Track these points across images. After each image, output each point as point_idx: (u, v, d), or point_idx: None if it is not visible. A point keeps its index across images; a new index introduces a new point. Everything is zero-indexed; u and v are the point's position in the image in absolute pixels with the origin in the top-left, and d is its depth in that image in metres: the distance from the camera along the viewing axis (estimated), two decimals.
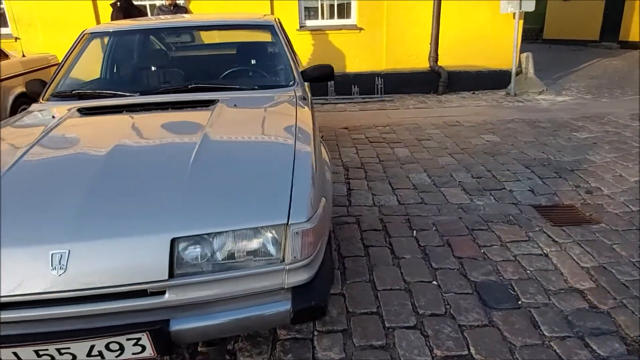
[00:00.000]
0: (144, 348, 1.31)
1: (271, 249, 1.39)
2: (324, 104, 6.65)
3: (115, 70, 2.95)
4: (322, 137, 2.55)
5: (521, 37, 6.76)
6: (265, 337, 1.90)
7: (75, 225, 1.33)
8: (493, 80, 7.13)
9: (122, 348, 1.30)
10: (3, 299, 1.23)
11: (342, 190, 3.38)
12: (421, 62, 7.07)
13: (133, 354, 1.31)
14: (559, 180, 3.47)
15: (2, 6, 6.91)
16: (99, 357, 1.30)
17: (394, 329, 1.93)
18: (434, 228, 2.80)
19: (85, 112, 2.17)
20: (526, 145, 4.30)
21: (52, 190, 1.47)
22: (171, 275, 1.31)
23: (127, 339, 1.28)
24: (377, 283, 2.26)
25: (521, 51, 6.93)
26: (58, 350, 1.26)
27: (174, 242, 1.33)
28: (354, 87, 6.92)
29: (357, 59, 7.07)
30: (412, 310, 2.05)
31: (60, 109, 2.25)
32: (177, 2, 6.45)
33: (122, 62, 2.88)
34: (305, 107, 2.33)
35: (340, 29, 6.94)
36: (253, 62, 2.91)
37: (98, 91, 2.46)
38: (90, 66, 3.09)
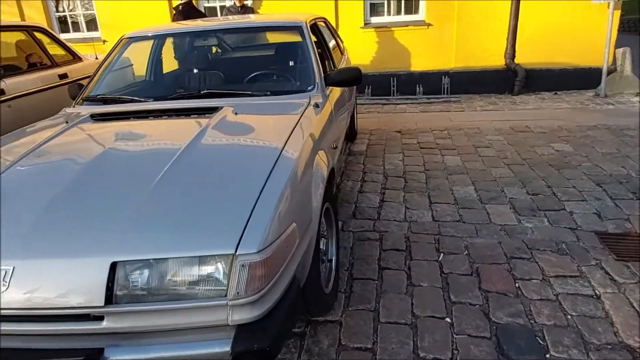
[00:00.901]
0: None
1: (217, 281, 1.26)
2: (384, 104, 6.36)
3: (148, 75, 3.01)
4: (335, 146, 2.35)
5: (617, 29, 5.86)
6: None
7: (23, 243, 1.31)
8: (580, 79, 6.28)
9: None
10: None
11: (373, 202, 3.14)
12: (495, 59, 6.46)
13: None
14: (636, 202, 2.91)
15: (93, 11, 7.57)
16: None
17: None
18: (465, 252, 2.47)
19: (97, 117, 2.21)
20: (603, 158, 3.69)
21: (19, 204, 1.48)
22: (109, 301, 1.24)
23: None
24: (382, 313, 2.02)
25: (616, 46, 6.03)
26: None
27: (114, 265, 1.25)
28: (419, 86, 6.53)
29: (423, 56, 6.65)
30: (411, 352, 1.79)
31: (83, 113, 2.32)
32: (245, 3, 6.59)
33: (148, 67, 2.93)
34: (317, 114, 2.16)
35: (407, 25, 6.57)
36: (274, 66, 2.79)
37: (116, 96, 2.50)
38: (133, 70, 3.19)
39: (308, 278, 1.68)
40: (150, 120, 2.13)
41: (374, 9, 6.75)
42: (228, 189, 1.49)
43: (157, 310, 1.25)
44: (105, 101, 2.50)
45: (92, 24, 7.70)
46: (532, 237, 2.60)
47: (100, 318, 1.25)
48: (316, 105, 2.26)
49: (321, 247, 1.95)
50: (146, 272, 1.27)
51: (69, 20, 7.81)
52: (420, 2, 6.56)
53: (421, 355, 1.78)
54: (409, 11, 6.69)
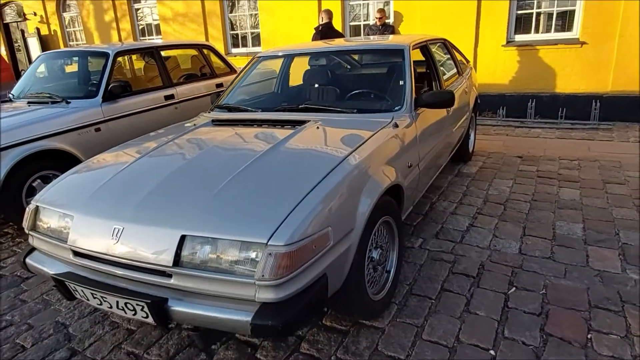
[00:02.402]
0: (147, 315, 1.67)
1: (251, 263, 1.56)
2: (518, 127, 5.96)
3: (275, 88, 3.51)
4: (409, 165, 2.44)
5: None
6: (289, 345, 2.05)
7: (132, 212, 1.79)
8: None
9: (134, 310, 1.70)
10: (78, 250, 1.79)
11: (461, 225, 3.10)
12: None
13: (142, 317, 1.70)
14: None
15: (258, 30, 8.75)
16: (122, 312, 1.74)
17: None
18: (542, 291, 2.32)
19: (216, 122, 2.74)
20: None
21: (139, 181, 1.99)
22: (176, 264, 1.63)
23: (137, 305, 1.67)
24: (426, 331, 2.08)
25: None
26: (101, 297, 1.76)
27: (183, 237, 1.64)
28: (562, 110, 5.95)
29: (572, 78, 6.03)
30: None
31: (209, 117, 2.89)
32: (387, 21, 6.90)
33: (276, 81, 3.42)
34: (391, 133, 2.32)
35: (556, 44, 6.03)
36: (372, 85, 2.98)
37: (236, 106, 3.01)
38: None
39: (349, 281, 1.86)
40: (252, 127, 2.56)
41: (520, 26, 6.37)
42: (281, 190, 1.77)
43: (206, 277, 1.60)
44: (229, 109, 3.04)
45: (256, 39, 8.90)
46: (632, 289, 2.30)
47: (169, 276, 1.66)
48: (395, 125, 2.41)
49: (374, 256, 2.11)
50: (204, 246, 1.63)
51: (240, 37, 9.16)
52: (576, 18, 5.96)
53: None
54: (560, 28, 6.14)
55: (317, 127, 2.39)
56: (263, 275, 1.51)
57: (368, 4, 7.45)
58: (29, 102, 3.95)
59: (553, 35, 6.17)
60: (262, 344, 2.06)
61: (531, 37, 6.31)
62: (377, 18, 6.55)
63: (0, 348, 2.16)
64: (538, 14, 6.23)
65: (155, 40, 10.01)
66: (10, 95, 4.25)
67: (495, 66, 6.49)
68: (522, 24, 6.36)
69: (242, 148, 2.25)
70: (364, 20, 7.57)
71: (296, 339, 2.07)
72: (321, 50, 3.26)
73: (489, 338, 2.01)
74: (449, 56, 3.96)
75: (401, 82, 2.77)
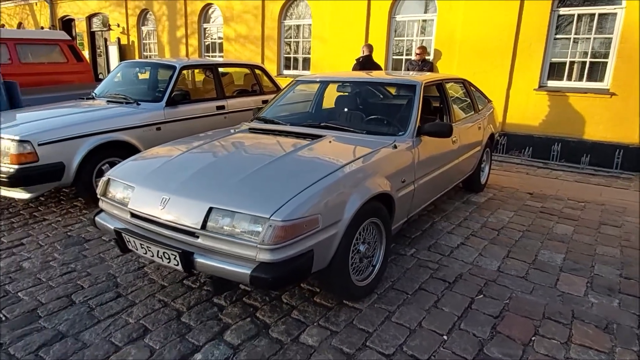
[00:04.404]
0: (178, 263, 2.25)
1: (256, 231, 2.10)
2: (540, 167, 6.22)
3: (310, 108, 4.11)
4: (403, 180, 2.90)
5: None
6: (282, 310, 2.55)
7: (177, 187, 2.39)
8: None
9: (169, 258, 2.27)
10: (137, 212, 2.40)
11: (453, 243, 3.50)
12: None
13: (174, 264, 2.27)
14: None
15: (309, 55, 9.51)
16: (160, 260, 2.32)
17: (362, 350, 2.23)
18: (506, 301, 2.69)
19: (252, 130, 3.35)
20: None
21: (185, 168, 2.60)
22: (203, 227, 2.20)
23: (171, 254, 2.25)
24: (395, 315, 2.51)
25: None
26: (147, 247, 2.35)
27: (210, 209, 2.22)
28: (586, 156, 6.16)
29: (600, 126, 6.25)
30: (398, 346, 2.26)
31: (247, 126, 3.51)
32: (427, 57, 7.41)
33: (301, 101, 4.03)
34: (389, 152, 2.82)
35: (586, 93, 6.30)
36: (384, 112, 3.50)
37: (271, 119, 3.62)
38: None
39: (334, 262, 2.35)
40: (279, 136, 3.14)
41: (553, 73, 6.67)
42: (288, 181, 2.32)
43: (223, 239, 2.15)
44: (265, 121, 3.65)
45: (307, 63, 9.66)
46: (586, 309, 2.62)
47: (197, 236, 2.22)
48: (394, 147, 2.91)
49: (361, 249, 2.59)
50: (224, 217, 2.18)
51: (292, 60, 9.97)
52: (607, 69, 6.21)
53: (404, 350, 2.23)
54: (592, 78, 6.39)
55: (330, 141, 2.94)
56: (263, 241, 2.04)
57: (412, 40, 8.01)
58: (107, 101, 4.78)
59: (584, 84, 6.43)
60: (262, 306, 2.58)
61: (563, 84, 6.59)
62: (417, 54, 7.08)
63: (66, 285, 2.81)
64: (572, 63, 6.52)
65: (217, 58, 11.05)
66: (93, 94, 5.12)
67: (525, 108, 6.81)
68: (555, 70, 6.67)
69: (266, 151, 2.83)
70: (407, 55, 8.12)
71: (289, 307, 2.57)
72: (348, 80, 3.83)
73: (446, 327, 2.42)
74: (466, 94, 4.41)
75: (409, 113, 3.26)
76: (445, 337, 2.34)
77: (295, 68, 9.92)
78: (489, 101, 5.09)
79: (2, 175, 3.61)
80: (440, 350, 2.23)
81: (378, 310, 2.56)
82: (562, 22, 6.51)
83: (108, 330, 2.35)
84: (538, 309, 2.61)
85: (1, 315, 2.47)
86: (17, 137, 3.61)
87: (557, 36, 6.56)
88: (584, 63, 6.44)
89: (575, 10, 6.35)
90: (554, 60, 6.64)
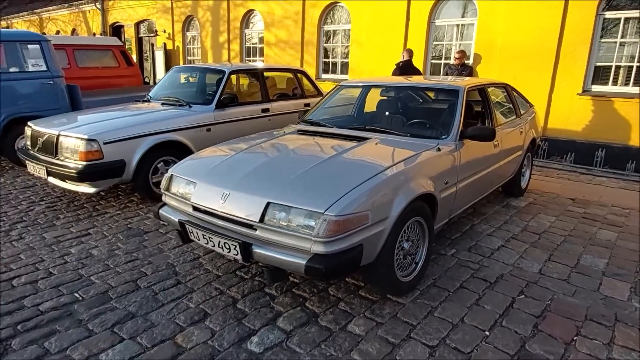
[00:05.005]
0: (237, 253, 2.45)
1: (311, 225, 2.27)
2: (583, 173, 6.13)
3: (352, 110, 4.28)
4: (446, 182, 3.01)
5: None
6: (330, 302, 2.71)
7: (236, 182, 2.60)
8: None
9: (229, 248, 2.48)
10: (199, 206, 2.63)
11: (493, 245, 3.56)
12: None
13: (234, 254, 2.48)
14: None
15: (347, 60, 9.68)
16: (221, 249, 2.53)
17: (406, 340, 2.36)
18: (547, 302, 2.75)
19: (300, 132, 3.54)
20: None
21: (242, 166, 2.81)
22: (261, 220, 2.40)
23: (232, 244, 2.45)
24: (437, 310, 2.63)
25: None
26: (209, 237, 2.57)
27: (268, 204, 2.41)
28: (632, 162, 6.02)
29: None
30: (440, 339, 2.37)
31: (296, 128, 3.70)
32: (466, 62, 7.42)
33: (342, 104, 4.19)
34: (432, 155, 2.94)
35: (632, 98, 6.16)
36: (428, 116, 3.61)
37: (317, 121, 3.80)
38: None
39: (380, 257, 2.50)
40: (326, 138, 3.31)
41: (597, 77, 6.55)
42: (340, 179, 2.48)
43: (280, 232, 2.33)
44: (312, 123, 3.83)
45: (345, 67, 9.83)
46: (630, 313, 2.65)
47: (255, 229, 2.42)
48: (438, 149, 3.02)
49: (405, 246, 2.72)
50: (281, 211, 2.37)
51: (330, 64, 10.17)
52: None
53: (447, 342, 2.35)
54: (639, 82, 6.24)
55: (376, 144, 3.09)
56: (318, 234, 2.21)
57: (451, 44, 8.04)
58: (162, 104, 5.10)
59: (630, 89, 6.29)
60: (310, 297, 2.75)
61: (608, 88, 6.47)
62: (456, 58, 7.11)
63: (131, 272, 3.07)
64: (617, 67, 6.40)
65: (257, 62, 11.39)
66: (148, 96, 5.47)
67: (569, 113, 6.72)
68: (600, 75, 6.55)
69: (317, 151, 3.01)
70: (445, 59, 8.15)
71: (336, 299, 2.73)
72: (392, 84, 3.97)
73: (487, 324, 2.51)
74: (508, 99, 4.45)
75: (452, 117, 3.37)
76: (487, 333, 2.43)
77: (333, 72, 10.10)
78: (531, 106, 5.09)
79: (71, 170, 3.96)
80: (483, 344, 2.33)
81: (421, 305, 2.68)
82: (607, 25, 6.40)
83: (172, 313, 2.58)
84: (580, 311, 2.66)
85: (78, 296, 2.75)
86: (85, 136, 3.94)
87: (603, 40, 6.44)
88: (630, 67, 6.30)
89: (622, 14, 6.23)
90: (598, 64, 6.53)
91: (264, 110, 5.51)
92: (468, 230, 3.87)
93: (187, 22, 13.16)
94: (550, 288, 2.92)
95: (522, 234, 3.81)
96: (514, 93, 4.62)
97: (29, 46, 5.90)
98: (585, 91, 6.59)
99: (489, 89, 4.00)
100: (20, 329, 2.41)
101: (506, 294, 2.83)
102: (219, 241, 2.52)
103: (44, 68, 5.89)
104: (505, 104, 4.42)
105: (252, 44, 11.73)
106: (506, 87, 4.48)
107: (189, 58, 13.44)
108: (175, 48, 13.45)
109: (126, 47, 14.64)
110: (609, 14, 6.32)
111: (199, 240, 2.67)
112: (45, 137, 4.23)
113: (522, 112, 4.65)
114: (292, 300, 2.72)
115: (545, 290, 2.90)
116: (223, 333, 2.39)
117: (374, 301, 2.72)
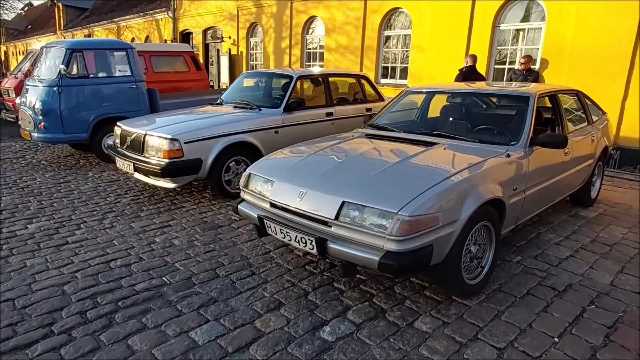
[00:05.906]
0: (313, 247, 2.63)
1: (384, 224, 2.40)
2: (632, 179, 5.80)
3: (416, 116, 4.37)
4: (515, 188, 3.03)
5: None
6: (397, 299, 2.82)
7: (313, 182, 2.79)
8: None
9: (305, 243, 2.67)
10: (276, 202, 2.84)
11: (562, 254, 3.51)
12: None
13: (309, 248, 2.66)
14: None
15: (407, 65, 9.70)
16: (297, 244, 2.73)
17: (473, 341, 2.43)
18: (620, 314, 2.71)
19: (369, 135, 3.68)
20: None
21: (316, 167, 2.99)
22: (336, 218, 2.56)
23: (308, 239, 2.64)
24: (504, 314, 2.67)
25: None
26: (286, 232, 2.77)
27: (343, 203, 2.57)
28: None
29: None
30: (508, 343, 2.42)
31: (363, 132, 3.85)
32: (532, 67, 7.24)
33: (418, 110, 4.29)
34: (501, 161, 2.97)
35: None
36: (496, 122, 3.62)
37: (383, 126, 3.92)
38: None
39: (448, 259, 2.58)
40: (395, 142, 3.42)
41: None
42: (412, 182, 2.59)
43: (354, 229, 2.49)
44: (378, 127, 3.97)
45: (404, 73, 9.86)
46: None
47: (330, 226, 2.59)
48: (507, 155, 3.05)
49: (472, 250, 2.78)
50: (355, 210, 2.52)
51: (390, 69, 10.23)
52: None
53: (515, 345, 2.39)
54: None
55: (444, 149, 3.17)
56: (391, 233, 2.34)
57: (515, 48, 7.86)
58: (234, 106, 5.44)
59: None
60: (377, 293, 2.88)
61: None
62: (521, 63, 6.96)
63: (210, 261, 3.35)
64: None
65: (317, 67, 11.66)
66: (220, 99, 5.84)
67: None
68: None
69: (387, 154, 3.14)
70: (510, 64, 7.97)
71: (402, 297, 2.84)
72: (458, 90, 4.02)
73: (556, 331, 2.52)
74: (580, 106, 4.34)
75: (522, 123, 3.37)
76: (556, 340, 2.44)
77: (393, 77, 10.16)
78: (604, 113, 4.92)
79: (155, 167, 4.34)
80: (552, 350, 2.35)
81: (487, 309, 2.73)
82: None
83: (249, 300, 2.80)
84: None
85: (166, 280, 3.05)
86: (169, 136, 4.32)
87: None
88: None
89: None
90: None
91: (328, 114, 5.70)
92: (534, 238, 3.83)
93: (252, 28, 13.72)
94: (622, 300, 2.86)
95: (592, 245, 3.71)
96: (586, 100, 4.50)
97: (116, 53, 6.48)
98: None
99: (560, 96, 3.94)
100: (121, 305, 2.73)
101: (575, 303, 2.81)
102: (296, 236, 2.72)
103: (128, 73, 6.45)
104: (576, 111, 4.31)
105: (312, 49, 12.03)
106: (578, 94, 4.37)
107: (251, 63, 14.00)
108: (239, 53, 14.05)
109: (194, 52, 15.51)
110: None
111: (276, 234, 2.89)
112: (133, 136, 4.66)
113: (594, 119, 4.51)
114: (360, 295, 2.87)
115: (617, 302, 2.84)
116: (297, 321, 2.58)
117: (439, 301, 2.80)
